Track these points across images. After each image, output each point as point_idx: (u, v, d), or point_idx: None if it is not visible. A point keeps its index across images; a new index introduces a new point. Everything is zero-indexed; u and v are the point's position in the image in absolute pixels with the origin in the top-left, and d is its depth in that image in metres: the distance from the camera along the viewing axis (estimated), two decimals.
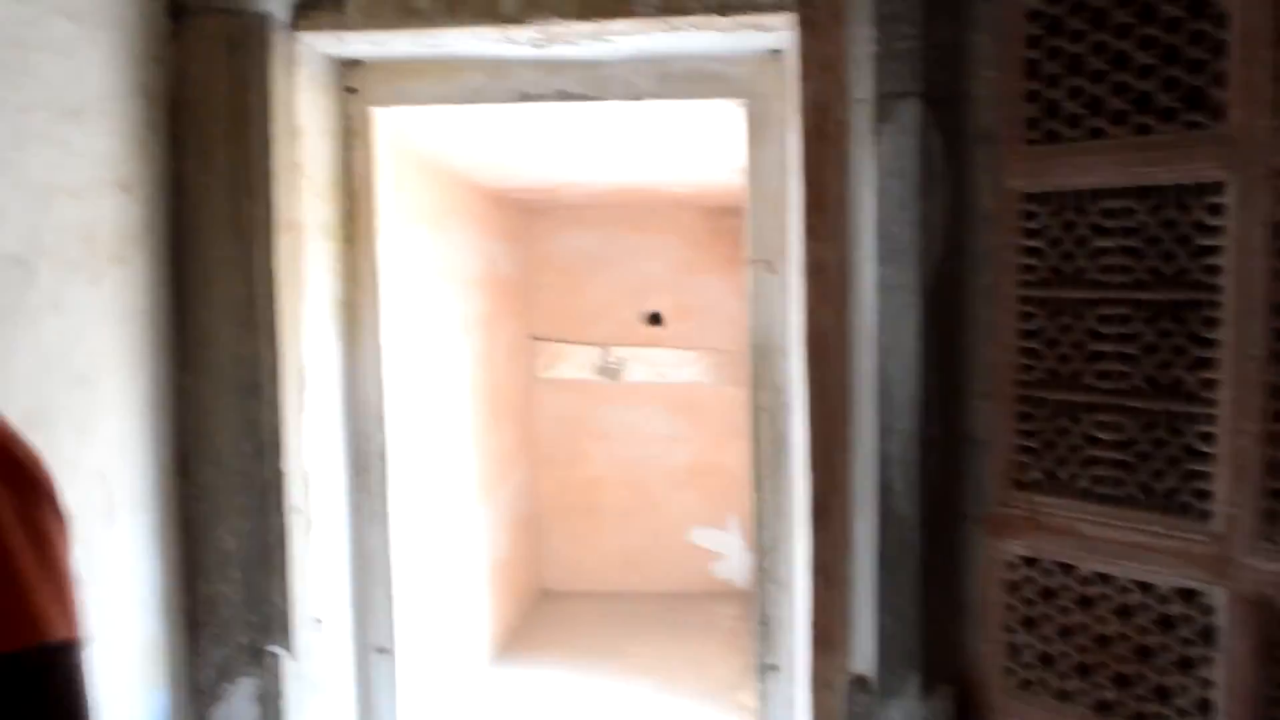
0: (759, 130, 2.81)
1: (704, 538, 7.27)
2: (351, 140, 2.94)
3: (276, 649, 2.65)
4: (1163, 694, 2.12)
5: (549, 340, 7.06)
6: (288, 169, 2.59)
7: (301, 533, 2.70)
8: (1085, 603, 2.21)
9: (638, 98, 2.80)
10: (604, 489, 7.23)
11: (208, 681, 2.68)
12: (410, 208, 4.24)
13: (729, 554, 7.26)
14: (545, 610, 6.99)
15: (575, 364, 7.07)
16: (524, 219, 6.82)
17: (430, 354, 4.70)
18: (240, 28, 2.49)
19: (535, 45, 2.66)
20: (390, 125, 3.02)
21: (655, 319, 7.09)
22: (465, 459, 5.41)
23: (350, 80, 2.91)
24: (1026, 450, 2.28)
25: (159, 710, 2.55)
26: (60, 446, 2.16)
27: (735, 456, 6.65)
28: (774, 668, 2.99)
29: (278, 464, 2.60)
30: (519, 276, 6.74)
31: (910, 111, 2.29)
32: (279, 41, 2.55)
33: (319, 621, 2.82)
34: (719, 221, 6.85)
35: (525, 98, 2.84)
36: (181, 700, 2.64)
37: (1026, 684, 2.31)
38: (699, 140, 3.70)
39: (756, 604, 3.03)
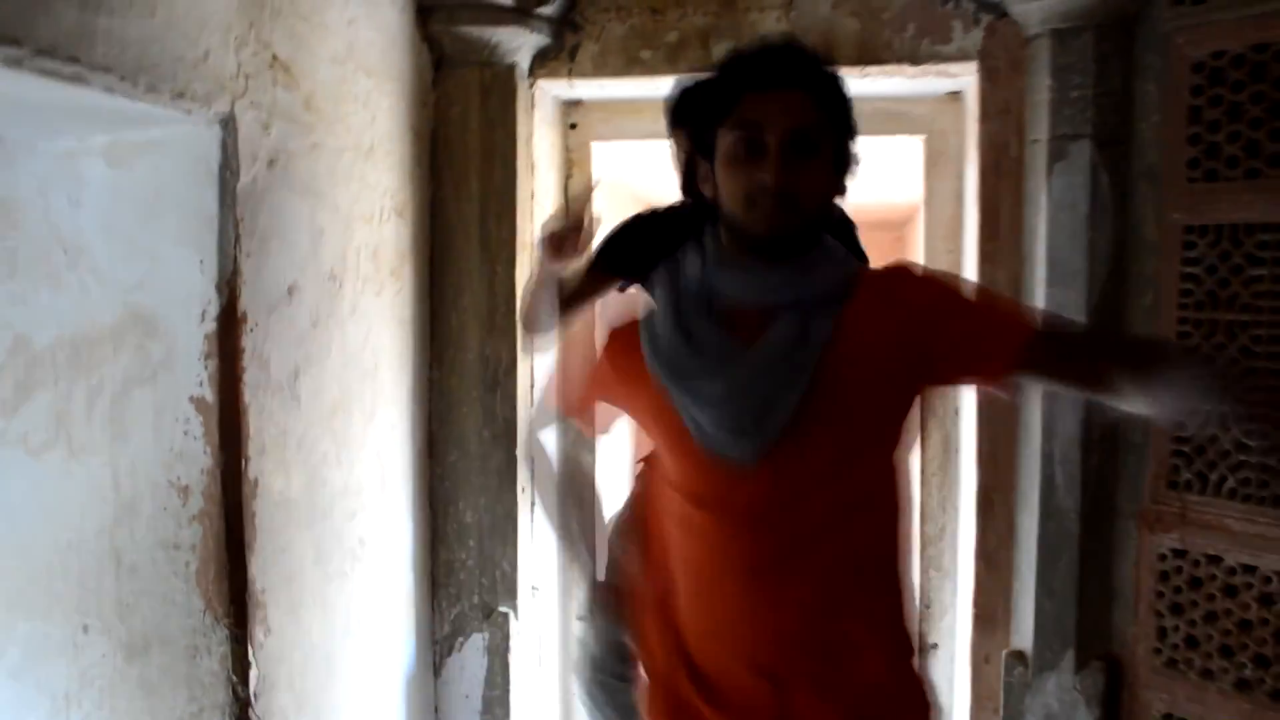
0: (936, 163, 3.13)
1: None
2: (572, 170, 3.36)
3: (505, 609, 3.08)
4: None
5: None
6: (526, 196, 3.02)
7: (527, 510, 3.12)
8: (1230, 591, 2.49)
9: None
10: None
11: (443, 635, 3.13)
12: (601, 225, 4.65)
13: None
14: None
15: None
16: None
17: None
18: (492, 76, 2.93)
19: None
20: (603, 156, 3.43)
21: None
22: (629, 453, 5.81)
23: (572, 118, 3.34)
24: (1180, 454, 2.56)
25: (408, 658, 3.00)
26: (352, 431, 2.61)
27: None
28: (935, 646, 3.30)
29: (512, 449, 3.03)
30: None
31: (1082, 152, 2.59)
32: (522, 88, 2.98)
33: (535, 589, 3.24)
34: (869, 236, 7.06)
35: None
36: (422, 649, 3.09)
37: (1172, 663, 2.59)
38: (878, 169, 4.02)
39: (920, 589, 3.34)
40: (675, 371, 1.47)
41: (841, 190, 1.51)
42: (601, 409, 1.81)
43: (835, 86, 1.47)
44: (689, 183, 1.64)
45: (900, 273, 1.55)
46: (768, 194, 1.39)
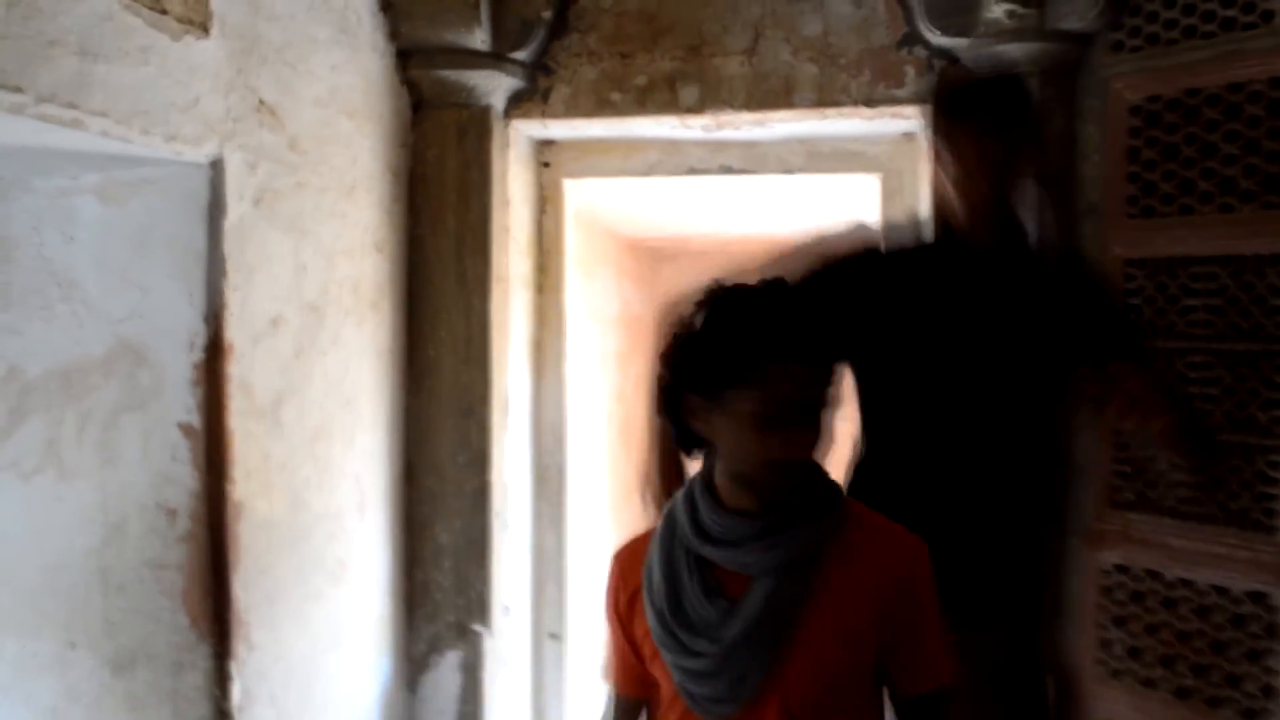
0: (891, 200, 3.28)
1: None
2: (544, 206, 3.50)
3: (479, 628, 3.18)
4: (1233, 681, 2.51)
5: None
6: (500, 232, 3.15)
7: (500, 532, 3.22)
8: (1169, 604, 2.61)
9: (789, 172, 3.30)
10: None
11: (419, 653, 3.22)
12: (572, 258, 4.79)
13: None
14: None
15: None
16: (654, 263, 7.33)
17: (581, 386, 5.22)
18: (469, 117, 3.07)
19: (706, 130, 3.19)
20: (575, 193, 3.57)
21: None
22: (601, 480, 5.91)
23: (545, 156, 3.47)
24: (1121, 475, 2.69)
25: (385, 674, 3.09)
26: (332, 456, 2.72)
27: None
28: None
29: (485, 475, 3.14)
30: (648, 316, 7.25)
31: (1028, 189, 2.73)
32: (498, 129, 3.12)
33: (507, 609, 3.33)
34: None
35: (693, 171, 3.37)
36: (399, 667, 3.18)
37: (1116, 673, 2.71)
38: (835, 204, 4.18)
39: None
40: (663, 639, 1.50)
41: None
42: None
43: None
44: (672, 408, 1.50)
45: (906, 553, 1.51)
46: (783, 465, 1.42)
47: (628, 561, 1.62)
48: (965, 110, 2.11)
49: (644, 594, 1.54)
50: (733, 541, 1.47)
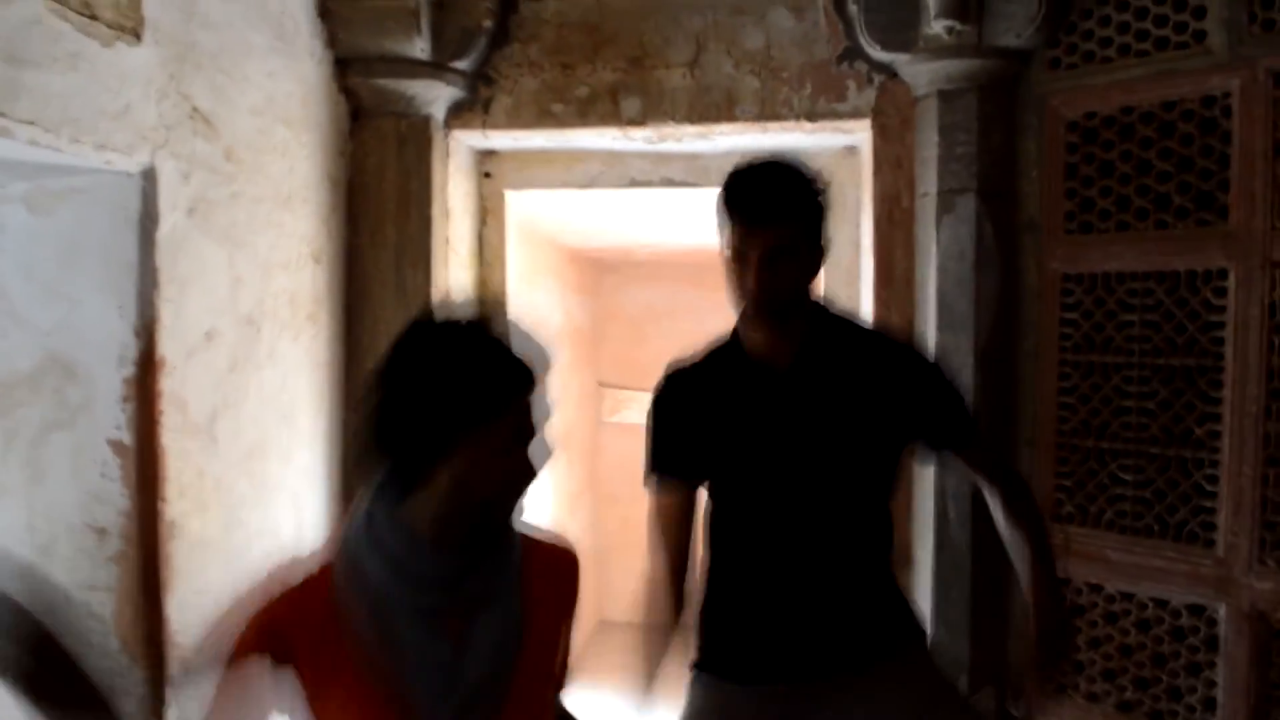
0: (834, 213, 3.27)
1: None
2: (486, 217, 3.46)
3: None
4: (1175, 694, 2.55)
5: (615, 387, 7.54)
6: (441, 243, 3.11)
7: None
8: (1111, 617, 2.65)
9: None
10: None
11: None
12: (514, 270, 4.76)
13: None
14: (604, 639, 7.40)
15: (639, 409, 7.51)
16: (596, 274, 7.32)
17: None
18: (409, 126, 3.02)
19: (648, 142, 3.17)
20: (517, 204, 3.53)
21: None
22: (542, 494, 5.88)
23: (487, 167, 3.43)
24: (1062, 489, 2.72)
25: None
26: (269, 473, 2.65)
27: None
28: None
29: None
30: (590, 327, 7.23)
31: (968, 204, 2.76)
32: (438, 139, 3.07)
33: None
34: None
35: (635, 184, 3.35)
36: None
37: (1060, 687, 2.73)
38: None
39: None
40: (391, 694, 1.35)
41: None
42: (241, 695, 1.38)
43: None
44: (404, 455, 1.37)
45: (570, 565, 1.54)
46: (526, 484, 1.41)
47: (303, 609, 1.36)
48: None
49: (353, 655, 1.34)
50: (451, 581, 1.37)
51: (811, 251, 1.88)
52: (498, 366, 1.35)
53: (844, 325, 1.99)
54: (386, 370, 1.34)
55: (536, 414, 1.38)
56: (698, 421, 1.97)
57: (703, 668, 2.02)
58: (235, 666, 1.34)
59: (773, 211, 1.81)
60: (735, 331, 1.97)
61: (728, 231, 1.84)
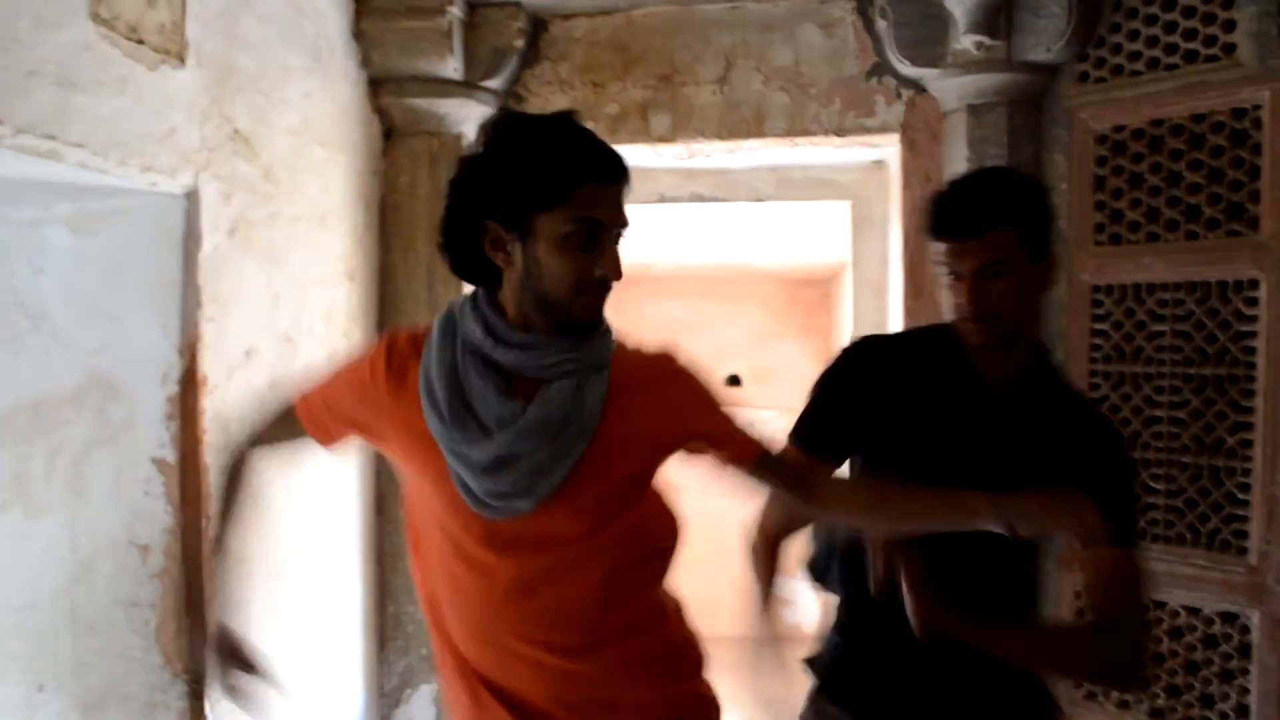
0: (862, 227, 3.31)
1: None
2: None
3: None
4: (1207, 701, 2.55)
5: None
6: None
7: None
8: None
9: (759, 199, 3.33)
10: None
11: (392, 686, 3.17)
12: None
13: (798, 601, 7.61)
14: None
15: None
16: (619, 288, 7.36)
17: None
18: (440, 145, 3.05)
19: (677, 158, 3.20)
20: None
21: (734, 381, 7.54)
22: None
23: None
24: None
25: (360, 709, 3.04)
26: (306, 486, 2.68)
27: None
28: None
29: None
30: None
31: None
32: None
33: None
34: (795, 292, 7.32)
35: (664, 199, 3.38)
36: (371, 701, 3.14)
37: (1091, 695, 2.73)
38: (804, 231, 4.22)
39: None
40: (446, 435, 1.44)
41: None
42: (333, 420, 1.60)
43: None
44: (461, 243, 1.47)
45: (666, 363, 1.56)
46: (595, 283, 1.42)
47: (407, 347, 1.52)
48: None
49: (421, 393, 1.46)
50: (533, 346, 1.44)
51: (1032, 264, 1.62)
52: (566, 152, 1.39)
53: (1061, 376, 1.80)
54: (468, 155, 1.45)
55: (607, 219, 1.40)
56: (886, 401, 1.73)
57: (825, 690, 1.89)
58: (357, 367, 1.55)
59: (979, 221, 1.59)
60: (954, 326, 1.69)
61: (934, 250, 1.65)
